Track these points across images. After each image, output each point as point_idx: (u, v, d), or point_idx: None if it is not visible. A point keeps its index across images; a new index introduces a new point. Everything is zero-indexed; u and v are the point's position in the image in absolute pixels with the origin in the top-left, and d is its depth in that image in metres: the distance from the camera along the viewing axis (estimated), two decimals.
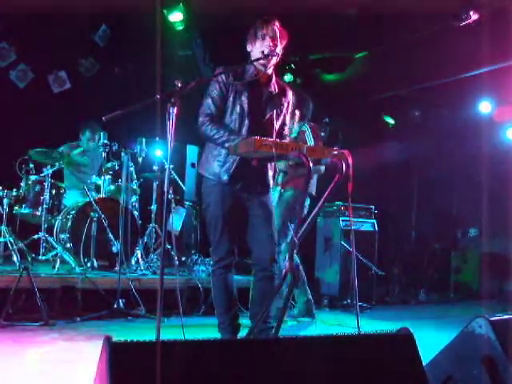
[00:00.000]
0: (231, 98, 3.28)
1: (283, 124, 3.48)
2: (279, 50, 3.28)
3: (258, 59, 3.23)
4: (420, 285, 7.34)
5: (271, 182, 3.44)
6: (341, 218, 6.21)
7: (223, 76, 3.28)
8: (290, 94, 3.49)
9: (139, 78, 6.97)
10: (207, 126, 3.23)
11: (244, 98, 3.28)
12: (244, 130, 3.26)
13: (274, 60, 3.29)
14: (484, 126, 7.29)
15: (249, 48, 3.35)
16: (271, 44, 3.22)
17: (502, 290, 7.43)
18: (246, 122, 3.27)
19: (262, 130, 3.25)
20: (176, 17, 7.05)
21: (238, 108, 3.28)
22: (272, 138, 3.32)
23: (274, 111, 3.37)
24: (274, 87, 3.38)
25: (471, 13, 5.84)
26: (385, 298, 6.73)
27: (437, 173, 8.31)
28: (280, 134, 3.44)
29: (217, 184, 3.30)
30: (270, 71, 3.34)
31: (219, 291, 3.39)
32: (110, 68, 7.33)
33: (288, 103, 3.47)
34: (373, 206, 6.57)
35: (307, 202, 4.65)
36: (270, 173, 3.43)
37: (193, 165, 6.72)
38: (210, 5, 6.54)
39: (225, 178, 3.26)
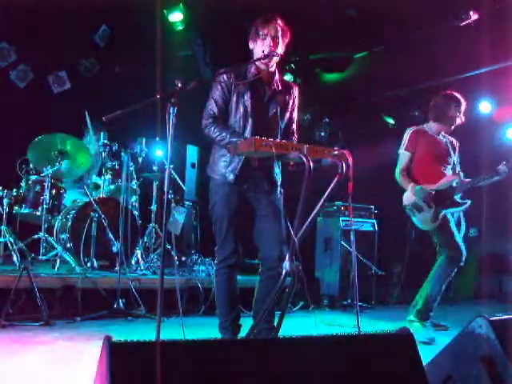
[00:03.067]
0: (234, 99, 3.28)
1: (290, 121, 3.46)
2: (280, 49, 3.29)
3: (259, 59, 3.25)
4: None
5: (279, 180, 3.43)
6: (341, 218, 6.21)
7: (225, 77, 3.28)
8: (295, 90, 3.48)
9: (139, 78, 6.97)
10: (210, 128, 3.22)
11: (247, 98, 3.27)
12: (248, 130, 3.26)
13: (275, 59, 3.30)
14: (484, 126, 7.27)
15: (251, 46, 3.36)
16: (272, 44, 3.23)
17: (502, 290, 7.42)
18: (250, 121, 3.27)
19: (267, 129, 3.25)
20: (176, 17, 7.07)
21: (241, 108, 3.28)
22: (277, 136, 3.33)
23: (278, 109, 3.36)
24: (276, 85, 3.38)
25: (471, 13, 5.84)
26: (385, 298, 6.71)
27: None
28: (287, 132, 3.43)
29: (223, 183, 3.29)
30: (272, 69, 3.35)
31: (222, 291, 3.37)
32: (110, 68, 7.33)
33: (293, 100, 3.46)
34: (373, 206, 6.57)
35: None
36: (277, 171, 3.41)
37: (193, 165, 6.72)
38: (209, 5, 6.55)
39: (231, 177, 3.25)
